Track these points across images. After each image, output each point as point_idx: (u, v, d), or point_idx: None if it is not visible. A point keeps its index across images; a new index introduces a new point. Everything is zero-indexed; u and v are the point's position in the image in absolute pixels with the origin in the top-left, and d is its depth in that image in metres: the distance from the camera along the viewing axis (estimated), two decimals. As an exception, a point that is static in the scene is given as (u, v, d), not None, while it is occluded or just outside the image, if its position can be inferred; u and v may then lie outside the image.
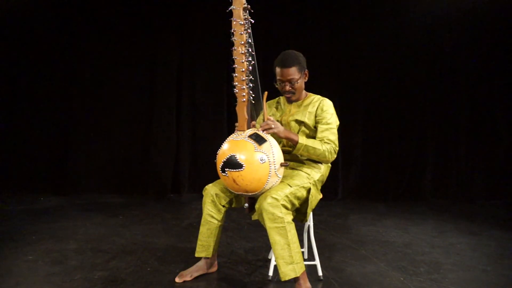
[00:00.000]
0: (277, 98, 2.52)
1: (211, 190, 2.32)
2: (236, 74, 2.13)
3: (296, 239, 2.09)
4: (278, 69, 2.30)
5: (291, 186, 2.14)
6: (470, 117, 4.62)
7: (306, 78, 2.38)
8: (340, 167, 4.65)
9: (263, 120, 2.23)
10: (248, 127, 2.20)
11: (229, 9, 2.08)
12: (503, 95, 4.56)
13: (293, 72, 2.28)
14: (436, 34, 4.58)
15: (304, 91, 2.41)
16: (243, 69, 2.11)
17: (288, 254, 2.05)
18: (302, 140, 2.22)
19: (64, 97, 4.61)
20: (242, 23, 2.06)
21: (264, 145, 2.06)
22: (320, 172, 2.32)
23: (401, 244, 3.05)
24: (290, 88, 2.32)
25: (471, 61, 4.55)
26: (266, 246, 2.89)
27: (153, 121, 4.71)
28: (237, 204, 2.34)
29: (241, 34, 2.08)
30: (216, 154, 2.15)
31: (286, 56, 2.30)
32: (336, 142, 2.28)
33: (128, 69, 4.68)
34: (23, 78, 4.58)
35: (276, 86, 2.37)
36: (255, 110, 2.30)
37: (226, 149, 2.10)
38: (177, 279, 2.30)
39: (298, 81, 2.31)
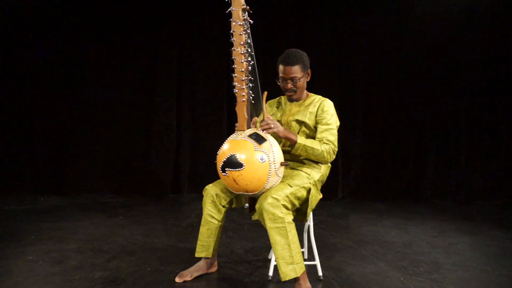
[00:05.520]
0: (278, 98, 2.53)
1: (211, 190, 2.32)
2: (236, 74, 2.13)
3: (296, 239, 2.09)
4: (281, 67, 2.31)
5: (291, 186, 2.14)
6: (470, 117, 4.62)
7: (309, 78, 2.39)
8: (340, 167, 4.65)
9: (263, 120, 2.23)
10: (248, 127, 2.20)
11: (228, 10, 2.08)
12: (503, 95, 4.56)
13: (296, 70, 2.28)
14: (437, 33, 4.58)
15: (305, 91, 2.42)
16: (243, 69, 2.11)
17: (288, 254, 2.05)
18: (301, 140, 2.22)
19: (64, 97, 4.61)
20: (241, 23, 2.07)
21: (264, 144, 2.06)
22: (320, 172, 2.32)
23: (401, 244, 3.05)
24: (292, 86, 2.32)
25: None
26: (266, 246, 2.89)
27: (153, 121, 4.71)
28: (237, 204, 2.34)
29: (240, 34, 2.08)
30: (216, 154, 2.15)
31: (289, 54, 2.30)
32: (336, 143, 2.28)
33: (128, 69, 4.68)
34: (23, 78, 4.57)
35: (278, 83, 2.37)
36: (255, 110, 2.30)
37: (226, 149, 2.10)
38: (177, 279, 2.31)
39: (300, 79, 2.31)
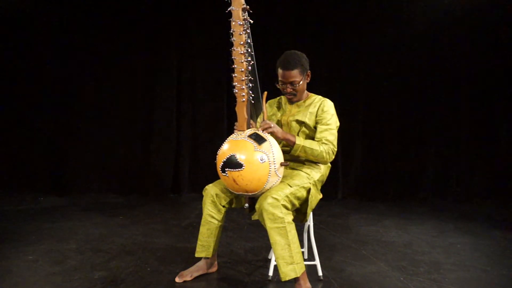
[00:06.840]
0: (278, 98, 2.52)
1: (211, 190, 2.32)
2: (236, 74, 2.13)
3: (296, 239, 2.09)
4: (280, 71, 2.30)
5: (291, 186, 2.14)
6: (470, 117, 4.62)
7: (309, 79, 2.38)
8: (340, 167, 4.65)
9: (263, 120, 2.23)
10: (248, 127, 2.20)
11: (228, 9, 2.08)
12: (503, 95, 4.56)
13: (295, 75, 2.28)
14: (437, 35, 4.58)
15: (305, 92, 2.41)
16: (243, 69, 2.11)
17: (288, 254, 2.05)
18: (299, 141, 2.22)
19: (64, 97, 4.61)
20: (241, 23, 2.06)
21: (264, 144, 2.06)
22: (320, 172, 2.32)
23: (401, 244, 3.05)
24: (292, 90, 2.32)
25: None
26: (266, 246, 2.89)
27: (153, 121, 4.71)
28: (237, 204, 2.34)
29: (240, 34, 2.08)
30: (216, 154, 2.15)
31: (288, 57, 2.29)
32: (335, 143, 2.28)
33: (128, 69, 4.68)
34: (23, 77, 4.58)
35: (278, 86, 2.37)
36: (255, 110, 2.30)
37: (226, 149, 2.10)
38: (177, 279, 2.31)
39: (300, 83, 2.31)
